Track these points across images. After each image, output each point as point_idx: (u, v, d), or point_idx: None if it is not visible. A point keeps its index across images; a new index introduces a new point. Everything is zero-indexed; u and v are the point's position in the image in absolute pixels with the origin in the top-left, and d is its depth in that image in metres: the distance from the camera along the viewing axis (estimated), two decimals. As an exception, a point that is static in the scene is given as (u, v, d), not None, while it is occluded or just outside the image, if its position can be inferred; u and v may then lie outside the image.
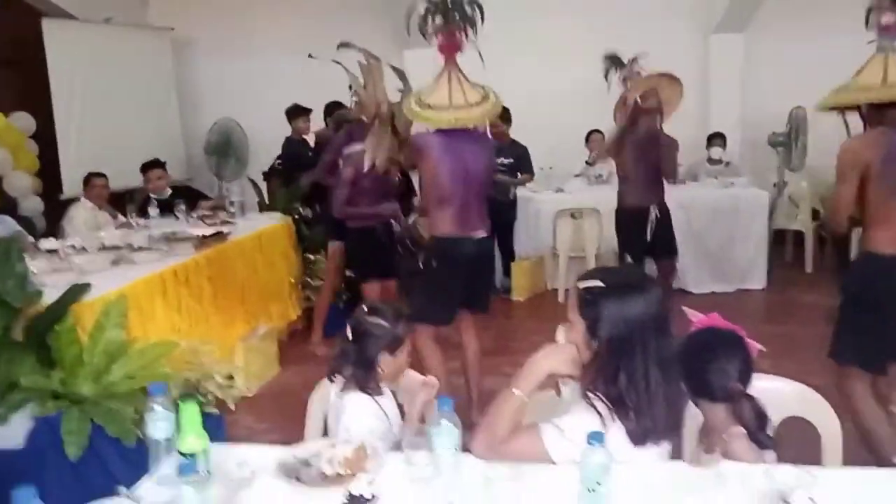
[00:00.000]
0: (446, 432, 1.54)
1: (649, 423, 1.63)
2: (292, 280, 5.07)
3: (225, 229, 4.43)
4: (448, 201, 3.33)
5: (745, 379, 1.82)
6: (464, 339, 3.62)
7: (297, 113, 6.11)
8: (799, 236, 6.91)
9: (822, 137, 6.83)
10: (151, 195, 5.41)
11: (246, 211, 5.30)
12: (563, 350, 1.74)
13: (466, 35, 3.30)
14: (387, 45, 5.79)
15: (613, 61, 4.75)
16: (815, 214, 6.86)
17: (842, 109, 3.18)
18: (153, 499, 1.51)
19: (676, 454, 1.85)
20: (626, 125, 4.43)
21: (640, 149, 4.42)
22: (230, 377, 4.11)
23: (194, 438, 1.54)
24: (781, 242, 6.91)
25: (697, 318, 1.96)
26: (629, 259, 4.60)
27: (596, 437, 1.37)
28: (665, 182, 4.63)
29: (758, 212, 6.24)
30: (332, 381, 2.10)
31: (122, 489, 1.55)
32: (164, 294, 3.60)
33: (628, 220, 4.63)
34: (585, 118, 6.86)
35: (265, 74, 7.60)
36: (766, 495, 1.47)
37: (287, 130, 6.18)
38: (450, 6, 3.26)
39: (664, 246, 4.64)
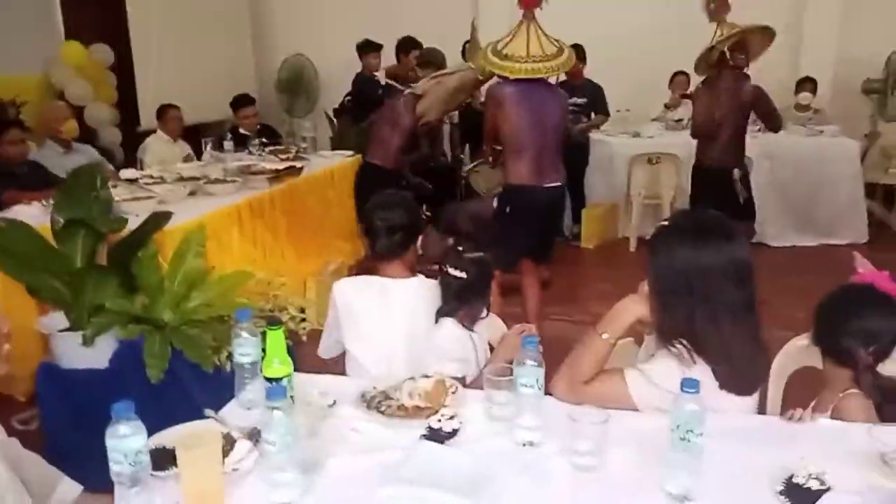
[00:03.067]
0: (530, 371, 1.51)
1: (727, 369, 1.58)
2: (362, 217, 5.11)
3: (298, 164, 4.45)
4: (523, 150, 3.40)
5: (881, 352, 1.67)
6: (526, 288, 3.64)
7: (367, 48, 6.04)
8: (890, 191, 6.53)
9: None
10: (242, 131, 5.43)
11: (318, 147, 5.31)
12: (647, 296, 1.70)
13: None
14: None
15: None
16: (909, 167, 6.47)
17: None
18: (239, 422, 1.54)
19: (761, 410, 1.79)
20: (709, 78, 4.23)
21: (722, 107, 4.17)
22: (302, 310, 4.19)
23: (279, 364, 1.55)
24: (870, 196, 6.54)
25: (865, 270, 1.83)
26: None
27: (690, 384, 1.31)
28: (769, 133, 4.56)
29: (847, 163, 5.91)
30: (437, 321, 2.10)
31: (210, 412, 1.58)
32: (240, 226, 3.65)
33: (706, 182, 4.36)
34: (666, 59, 6.56)
35: (337, 9, 7.53)
36: (866, 455, 1.40)
37: (358, 66, 6.12)
38: None
39: (741, 209, 4.33)
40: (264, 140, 5.09)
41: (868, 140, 6.70)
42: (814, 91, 6.62)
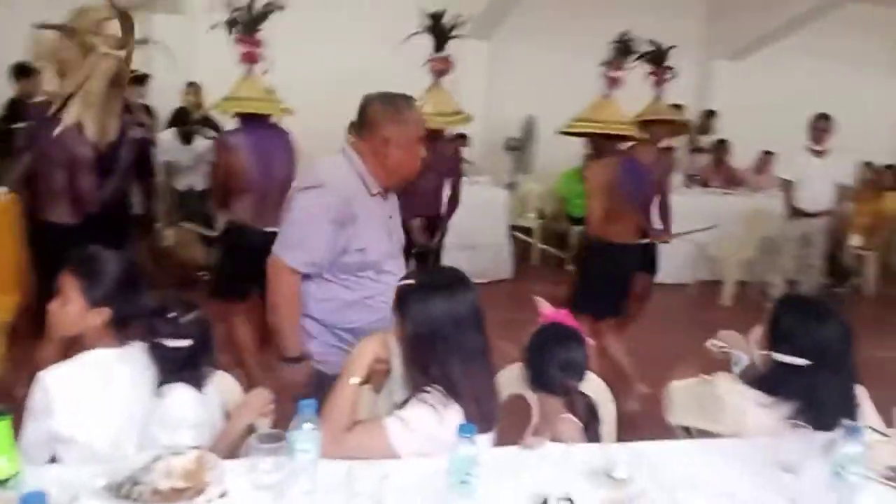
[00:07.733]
0: (309, 435, 1.49)
1: (477, 411, 1.74)
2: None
3: (-64, 204, 3.69)
4: (247, 192, 3.51)
5: (580, 376, 1.98)
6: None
7: (24, 73, 5.27)
8: (526, 232, 7.65)
9: (548, 145, 7.69)
10: None
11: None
12: (381, 336, 1.85)
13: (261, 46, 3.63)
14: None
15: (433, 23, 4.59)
16: (540, 213, 7.65)
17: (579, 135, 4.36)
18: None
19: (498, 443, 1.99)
20: None
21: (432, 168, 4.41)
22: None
23: (7, 462, 1.30)
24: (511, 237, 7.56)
25: (547, 311, 2.09)
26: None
27: (466, 430, 1.42)
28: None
29: (497, 209, 6.81)
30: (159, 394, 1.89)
31: None
32: None
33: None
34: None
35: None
36: (593, 471, 1.65)
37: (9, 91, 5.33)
38: (250, 20, 3.57)
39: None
40: None
41: (509, 189, 7.79)
42: (466, 145, 7.49)
